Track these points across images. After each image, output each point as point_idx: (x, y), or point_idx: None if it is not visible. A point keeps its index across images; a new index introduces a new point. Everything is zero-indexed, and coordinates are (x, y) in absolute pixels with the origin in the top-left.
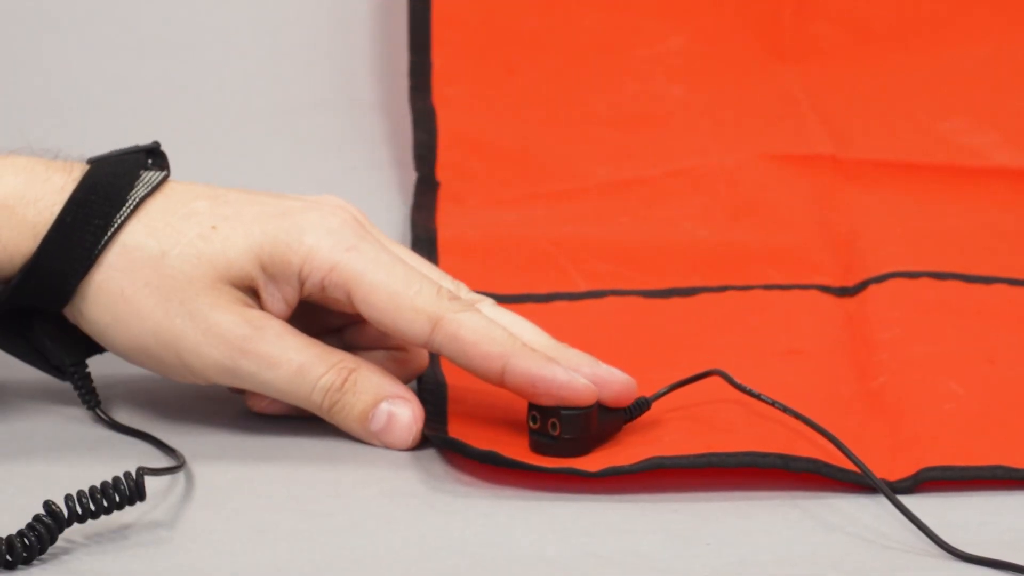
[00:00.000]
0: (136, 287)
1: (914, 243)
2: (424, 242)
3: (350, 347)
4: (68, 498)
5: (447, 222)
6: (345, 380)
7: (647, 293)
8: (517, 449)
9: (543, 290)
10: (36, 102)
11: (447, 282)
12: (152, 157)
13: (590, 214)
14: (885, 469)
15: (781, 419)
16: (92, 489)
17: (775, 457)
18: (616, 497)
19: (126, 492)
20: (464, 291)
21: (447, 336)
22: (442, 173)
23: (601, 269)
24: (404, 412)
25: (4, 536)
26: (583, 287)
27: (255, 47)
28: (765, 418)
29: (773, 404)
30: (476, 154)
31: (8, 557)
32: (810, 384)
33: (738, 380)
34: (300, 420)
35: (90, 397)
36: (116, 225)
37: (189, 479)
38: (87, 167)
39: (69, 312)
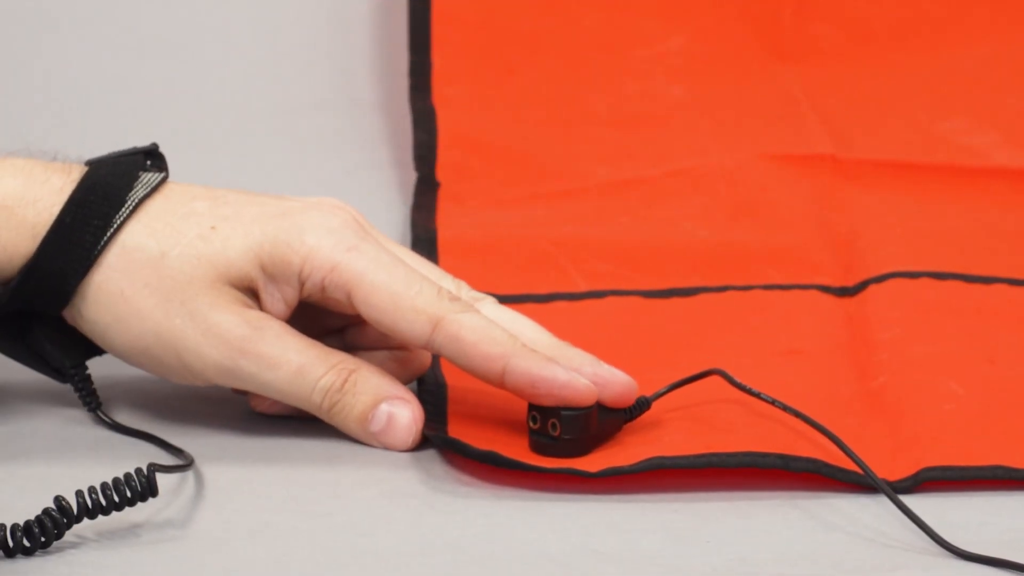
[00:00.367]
0: (136, 287)
1: (914, 243)
2: (424, 242)
3: (351, 348)
4: (79, 493)
5: (447, 222)
6: (345, 381)
7: (647, 293)
8: (517, 450)
9: (543, 290)
10: (36, 102)
11: (448, 282)
12: (150, 159)
13: (590, 214)
14: (885, 469)
15: (781, 419)
16: (103, 485)
17: (775, 457)
18: (616, 497)
19: (138, 488)
20: (465, 290)
21: (447, 337)
22: (442, 173)
23: (601, 269)
24: (404, 413)
25: (18, 522)
26: (583, 287)
27: (255, 47)
28: (765, 418)
29: (773, 403)
30: (476, 154)
31: (9, 543)
32: (810, 384)
33: (738, 380)
34: (300, 421)
35: (91, 399)
36: (115, 225)
37: (198, 478)
38: (85, 169)
39: (68, 314)
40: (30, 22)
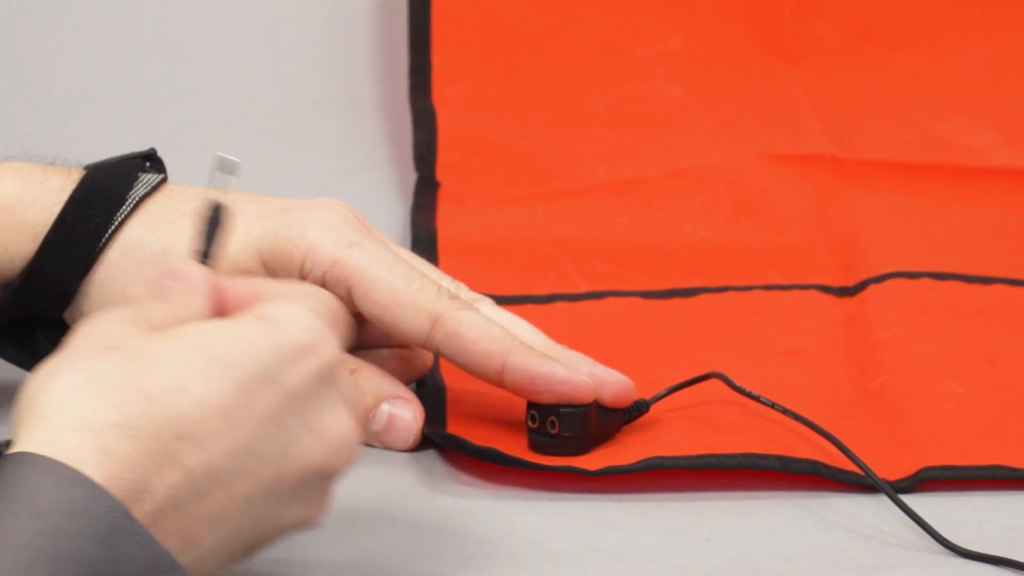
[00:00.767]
0: (138, 284)
1: (914, 243)
2: (424, 242)
3: (353, 346)
4: None
5: (447, 222)
6: None
7: (647, 294)
8: (516, 449)
9: (543, 291)
10: (36, 102)
11: (447, 282)
12: (148, 163)
13: (590, 214)
14: (885, 469)
15: (781, 420)
16: None
17: (775, 459)
18: (616, 496)
19: None
20: (464, 291)
21: (447, 333)
22: (442, 173)
23: (601, 269)
24: (405, 413)
25: None
26: (583, 288)
27: (255, 47)
28: (765, 419)
29: (773, 406)
30: (476, 154)
31: None
32: (810, 384)
33: (738, 381)
34: None
35: None
36: (117, 223)
37: None
38: (84, 171)
39: (70, 315)
40: (30, 22)
